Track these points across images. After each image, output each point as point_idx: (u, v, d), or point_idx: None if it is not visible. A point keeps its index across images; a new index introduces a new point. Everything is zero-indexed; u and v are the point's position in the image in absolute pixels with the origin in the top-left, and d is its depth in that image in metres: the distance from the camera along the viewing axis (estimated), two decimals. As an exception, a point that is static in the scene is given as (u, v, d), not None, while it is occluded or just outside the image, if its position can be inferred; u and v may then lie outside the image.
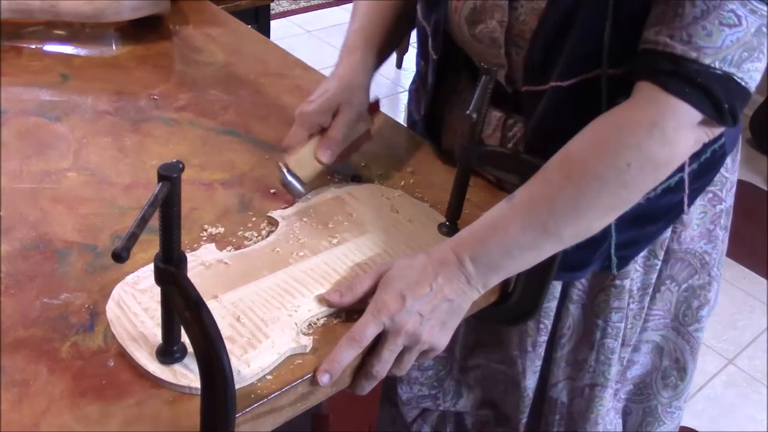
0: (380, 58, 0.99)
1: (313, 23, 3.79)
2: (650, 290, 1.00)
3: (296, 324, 0.74)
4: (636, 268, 0.97)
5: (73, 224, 0.85)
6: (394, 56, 3.46)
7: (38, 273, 0.78)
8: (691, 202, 0.94)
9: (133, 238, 0.56)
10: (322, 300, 0.77)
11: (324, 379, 0.70)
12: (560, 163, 0.76)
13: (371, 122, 0.97)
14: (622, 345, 1.03)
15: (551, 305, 1.00)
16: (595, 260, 0.94)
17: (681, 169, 0.90)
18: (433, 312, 0.75)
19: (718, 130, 0.75)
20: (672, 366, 1.07)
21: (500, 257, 0.76)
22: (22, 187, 0.89)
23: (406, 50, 3.36)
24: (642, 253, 0.97)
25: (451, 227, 0.89)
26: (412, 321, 0.73)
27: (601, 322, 1.00)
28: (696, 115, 0.72)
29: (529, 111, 0.87)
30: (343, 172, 0.98)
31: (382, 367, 0.74)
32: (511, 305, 0.89)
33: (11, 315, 0.73)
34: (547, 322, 1.02)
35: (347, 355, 0.72)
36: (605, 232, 0.91)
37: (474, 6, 0.87)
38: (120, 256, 0.55)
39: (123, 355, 0.70)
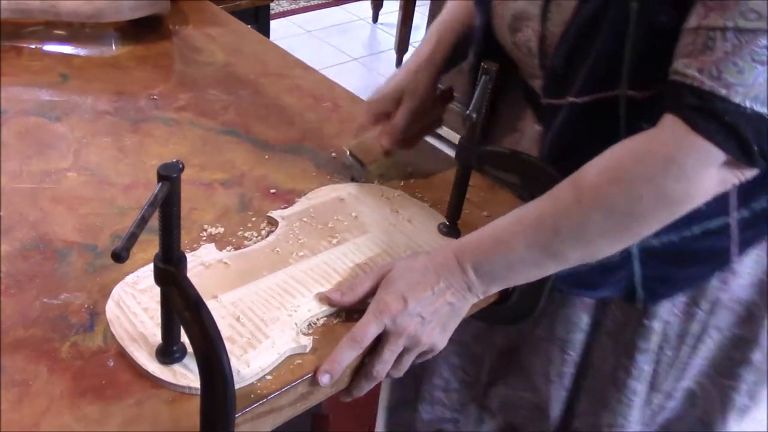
0: (456, 52, 0.97)
1: (313, 23, 3.79)
2: (690, 339, 0.96)
3: (296, 324, 0.74)
4: (674, 312, 0.94)
5: (73, 224, 0.85)
6: (394, 56, 3.48)
7: (38, 273, 0.78)
8: (742, 251, 0.89)
9: (132, 238, 0.56)
10: (322, 298, 0.77)
11: (324, 379, 0.70)
12: (573, 184, 0.74)
13: (442, 110, 0.99)
14: (654, 390, 0.99)
15: (578, 337, 0.97)
16: (607, 285, 0.91)
17: (725, 212, 0.86)
18: (434, 315, 0.75)
19: (750, 173, 0.71)
20: (701, 419, 1.02)
21: (502, 270, 0.76)
22: (22, 187, 0.89)
23: (405, 50, 3.36)
24: (682, 299, 0.93)
25: (451, 227, 0.89)
26: (414, 323, 0.73)
27: (625, 360, 0.97)
28: (719, 155, 0.69)
29: (549, 124, 0.86)
30: (342, 172, 0.98)
31: (382, 368, 0.74)
32: (510, 306, 0.89)
33: (11, 315, 0.73)
34: (574, 354, 0.99)
35: (348, 355, 0.72)
36: (623, 261, 0.88)
37: (514, 13, 0.86)
38: (119, 256, 0.55)
39: (123, 355, 0.70)
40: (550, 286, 0.90)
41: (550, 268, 0.77)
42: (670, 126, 0.70)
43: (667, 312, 0.94)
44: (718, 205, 0.83)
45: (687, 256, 0.88)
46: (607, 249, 0.75)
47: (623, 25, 0.74)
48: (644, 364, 0.96)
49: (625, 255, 0.88)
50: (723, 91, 0.67)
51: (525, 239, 0.74)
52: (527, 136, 0.93)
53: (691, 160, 0.69)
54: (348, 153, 0.95)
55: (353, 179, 0.96)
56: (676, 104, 0.70)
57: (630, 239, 0.75)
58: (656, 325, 0.94)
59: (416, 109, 0.93)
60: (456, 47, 0.97)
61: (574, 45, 0.79)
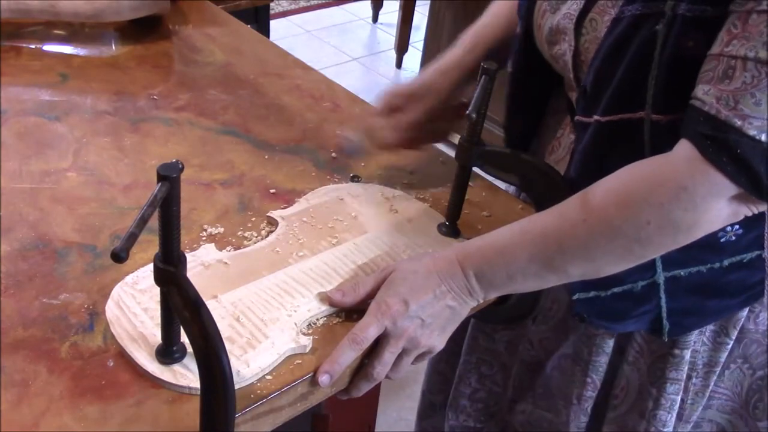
0: (495, 58, 0.92)
1: (313, 23, 3.79)
2: (717, 368, 0.95)
3: (296, 324, 0.74)
4: (704, 341, 0.93)
5: (72, 224, 0.85)
6: (394, 55, 3.48)
7: (38, 273, 0.78)
8: None
9: (132, 238, 0.56)
10: (323, 298, 0.77)
11: (324, 379, 0.70)
12: (581, 201, 0.74)
13: (452, 124, 0.97)
14: (681, 420, 0.98)
15: (601, 360, 0.96)
16: (632, 319, 0.90)
17: (759, 246, 0.85)
18: (434, 317, 0.75)
19: (763, 206, 0.71)
20: None
21: (503, 279, 0.76)
22: (22, 187, 0.89)
23: (405, 50, 3.36)
24: (711, 327, 0.92)
25: (450, 227, 0.89)
26: (414, 325, 0.74)
27: (654, 391, 0.95)
28: (730, 187, 0.68)
29: (581, 139, 0.85)
30: (342, 172, 0.98)
31: (382, 369, 0.74)
32: (508, 307, 0.89)
33: (11, 315, 0.72)
34: (596, 377, 0.97)
35: (348, 356, 0.72)
36: (648, 291, 0.87)
37: (551, 26, 0.85)
38: (119, 256, 0.55)
39: (122, 356, 0.70)
40: (574, 313, 0.89)
41: (551, 281, 0.77)
42: (684, 153, 0.69)
43: (697, 341, 0.92)
44: (753, 238, 0.83)
45: (715, 288, 0.87)
46: (609, 268, 0.75)
47: (649, 48, 0.73)
48: (674, 395, 0.95)
49: (651, 285, 0.87)
50: (738, 122, 0.66)
51: (528, 252, 0.74)
52: (563, 145, 0.92)
53: (702, 189, 0.68)
54: (352, 134, 0.96)
55: (348, 153, 0.97)
56: (692, 131, 0.69)
57: (634, 261, 0.74)
58: (686, 355, 0.92)
59: (432, 109, 0.92)
60: (496, 53, 0.94)
61: (603, 64, 0.78)
